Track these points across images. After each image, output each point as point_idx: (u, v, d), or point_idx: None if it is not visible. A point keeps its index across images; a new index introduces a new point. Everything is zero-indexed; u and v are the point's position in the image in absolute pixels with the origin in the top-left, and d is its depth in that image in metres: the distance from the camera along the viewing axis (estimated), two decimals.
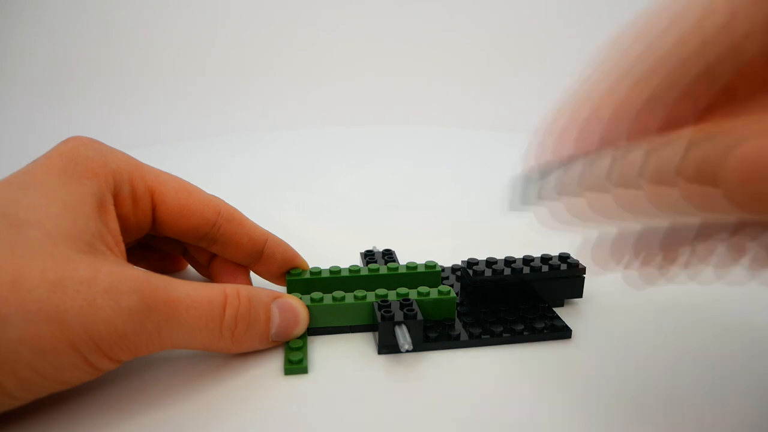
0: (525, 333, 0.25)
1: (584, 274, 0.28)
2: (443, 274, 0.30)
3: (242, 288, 0.23)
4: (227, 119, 0.78)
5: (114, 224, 0.23)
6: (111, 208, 0.23)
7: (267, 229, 0.28)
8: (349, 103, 0.82)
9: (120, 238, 0.23)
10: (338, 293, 0.25)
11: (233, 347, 0.23)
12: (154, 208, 0.25)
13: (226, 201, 0.27)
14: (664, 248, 0.16)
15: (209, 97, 0.79)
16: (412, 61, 0.85)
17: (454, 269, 0.31)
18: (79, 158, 0.22)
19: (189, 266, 0.32)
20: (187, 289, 0.21)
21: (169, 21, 0.80)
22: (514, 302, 0.27)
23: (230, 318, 0.22)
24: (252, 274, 0.29)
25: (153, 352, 0.20)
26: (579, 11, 0.82)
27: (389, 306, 0.24)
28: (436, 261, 0.29)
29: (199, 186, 0.27)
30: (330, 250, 0.33)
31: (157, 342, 0.20)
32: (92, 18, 0.78)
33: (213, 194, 0.27)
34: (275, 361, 0.24)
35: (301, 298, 0.25)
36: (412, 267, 0.28)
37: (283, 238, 0.28)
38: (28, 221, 0.19)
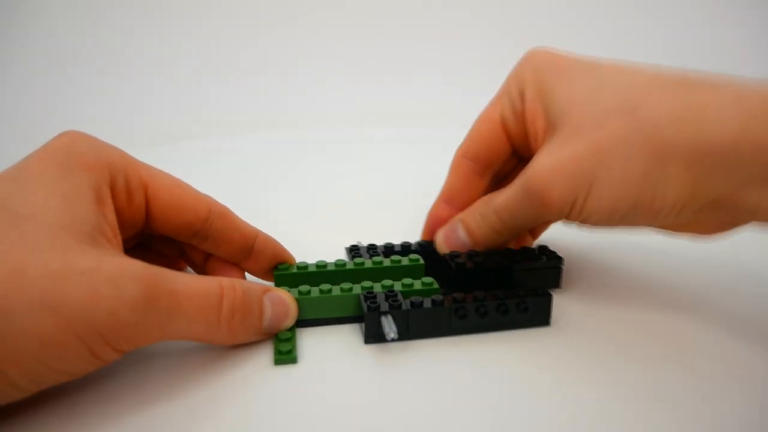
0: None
1: (562, 264, 0.29)
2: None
3: (237, 281, 0.24)
4: (214, 118, 0.78)
5: (112, 217, 0.23)
6: (109, 201, 0.23)
7: (255, 226, 0.29)
8: (336, 103, 0.82)
9: (117, 231, 0.23)
10: (325, 286, 0.26)
11: (228, 338, 0.24)
12: (147, 203, 0.25)
13: (215, 199, 0.28)
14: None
15: (198, 97, 0.79)
16: (396, 60, 0.86)
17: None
18: (75, 152, 0.22)
19: (188, 268, 0.32)
20: (186, 281, 0.22)
21: (165, 21, 0.80)
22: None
23: (227, 309, 0.23)
24: None
25: (153, 343, 0.21)
26: (576, 13, 0.84)
27: (375, 297, 0.25)
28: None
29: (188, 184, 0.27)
30: (316, 246, 0.34)
31: (158, 332, 0.21)
32: (92, 15, 0.78)
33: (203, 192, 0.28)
34: (265, 352, 0.24)
35: (289, 291, 0.26)
36: (396, 261, 0.29)
37: (270, 235, 0.29)
38: (26, 215, 0.19)
